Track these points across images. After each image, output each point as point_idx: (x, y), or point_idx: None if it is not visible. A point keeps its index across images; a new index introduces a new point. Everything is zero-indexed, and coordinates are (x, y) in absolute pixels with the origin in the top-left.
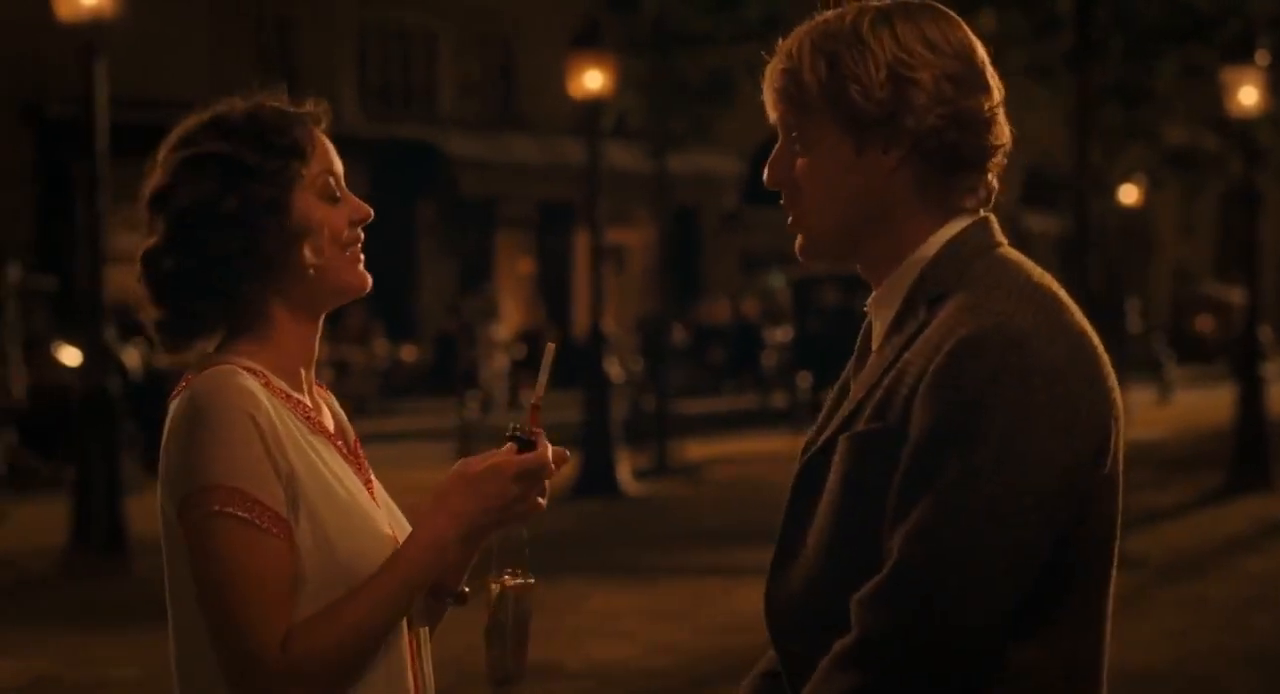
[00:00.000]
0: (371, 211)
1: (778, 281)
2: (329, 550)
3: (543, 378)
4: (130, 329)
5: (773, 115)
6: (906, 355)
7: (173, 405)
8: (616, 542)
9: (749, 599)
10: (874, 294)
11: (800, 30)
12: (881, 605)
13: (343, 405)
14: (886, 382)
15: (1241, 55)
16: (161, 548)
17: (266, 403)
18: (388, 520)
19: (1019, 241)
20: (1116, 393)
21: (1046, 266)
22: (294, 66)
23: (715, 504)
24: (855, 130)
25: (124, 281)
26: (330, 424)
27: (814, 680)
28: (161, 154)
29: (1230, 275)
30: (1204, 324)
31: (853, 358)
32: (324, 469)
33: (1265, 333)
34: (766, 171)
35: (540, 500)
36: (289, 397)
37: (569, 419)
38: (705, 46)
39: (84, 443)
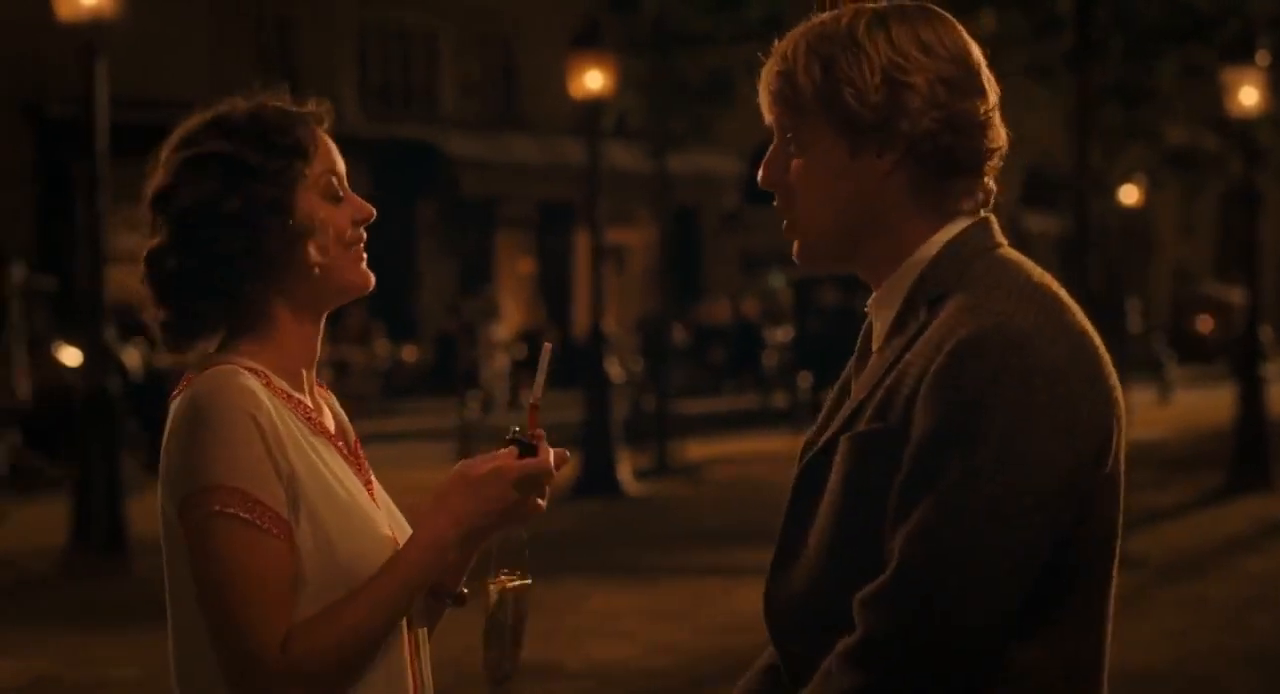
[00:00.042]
0: (374, 211)
1: (778, 281)
2: (329, 552)
3: (540, 379)
4: (131, 329)
5: (768, 117)
6: (907, 356)
7: (174, 405)
8: (617, 542)
9: (749, 599)
10: (874, 295)
11: (796, 32)
12: (883, 606)
13: (344, 406)
14: (888, 382)
15: (1241, 55)
16: (161, 548)
17: (268, 403)
18: (387, 522)
19: (1019, 241)
20: (1118, 392)
21: (1046, 267)
22: (294, 66)
23: (716, 504)
24: (849, 133)
25: (124, 281)
26: (331, 425)
27: (816, 680)
28: (163, 154)
29: (1230, 275)
30: (1204, 324)
31: (853, 358)
32: (325, 470)
33: (1265, 333)
34: (761, 172)
35: (540, 502)
36: (290, 397)
37: (569, 419)
38: (705, 46)
39: (84, 443)
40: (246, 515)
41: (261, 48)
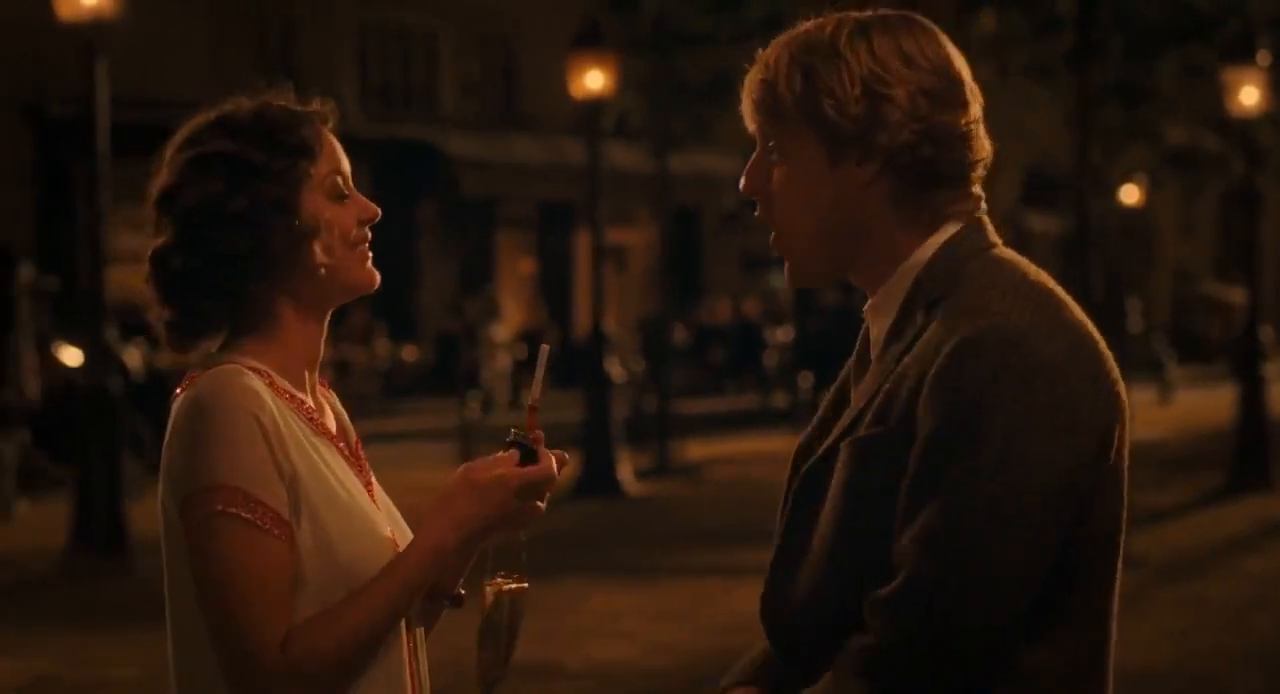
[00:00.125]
0: (379, 210)
1: (779, 281)
2: (329, 552)
3: (538, 380)
4: (132, 329)
5: (750, 125)
6: (906, 359)
7: (176, 404)
8: (617, 542)
9: (749, 599)
10: (870, 302)
11: (780, 40)
12: (890, 610)
13: (344, 406)
14: (887, 387)
15: (1242, 55)
16: (162, 548)
17: (271, 403)
18: (387, 523)
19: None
20: (1120, 386)
21: (1047, 266)
22: (294, 66)
23: (716, 504)
24: (830, 143)
25: (125, 281)
26: (332, 425)
27: (823, 683)
28: (168, 153)
29: (1230, 275)
30: (1205, 324)
31: (852, 358)
32: (326, 471)
33: (1266, 333)
34: (743, 179)
35: (540, 504)
36: (293, 397)
37: (570, 419)
38: (705, 46)
39: (85, 443)
40: (248, 515)
41: (262, 48)
